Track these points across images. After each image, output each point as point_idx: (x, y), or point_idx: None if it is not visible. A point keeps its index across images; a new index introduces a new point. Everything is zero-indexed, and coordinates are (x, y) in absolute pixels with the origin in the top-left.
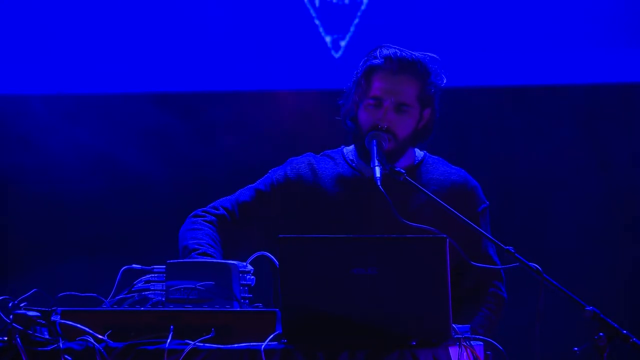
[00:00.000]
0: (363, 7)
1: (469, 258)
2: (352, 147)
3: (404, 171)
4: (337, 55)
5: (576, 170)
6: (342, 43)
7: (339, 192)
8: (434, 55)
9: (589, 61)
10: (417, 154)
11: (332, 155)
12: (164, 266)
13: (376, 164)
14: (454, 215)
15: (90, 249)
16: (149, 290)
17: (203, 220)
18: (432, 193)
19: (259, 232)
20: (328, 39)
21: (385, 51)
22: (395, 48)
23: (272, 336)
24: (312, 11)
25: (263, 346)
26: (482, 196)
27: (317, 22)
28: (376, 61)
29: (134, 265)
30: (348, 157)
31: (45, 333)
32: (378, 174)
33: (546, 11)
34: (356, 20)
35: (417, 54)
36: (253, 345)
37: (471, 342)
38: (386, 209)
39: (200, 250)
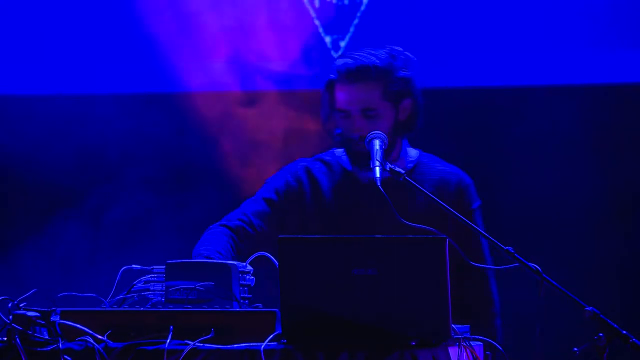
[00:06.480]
0: (362, 8)
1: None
2: (342, 150)
3: (403, 171)
4: (336, 56)
5: (576, 171)
6: (342, 43)
7: (337, 196)
8: (398, 48)
9: (589, 61)
10: (410, 154)
11: (324, 159)
12: (164, 266)
13: (376, 164)
14: (453, 215)
15: (90, 248)
16: (149, 290)
17: (217, 232)
18: (427, 191)
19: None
20: (328, 39)
21: (339, 62)
22: (349, 57)
23: (271, 336)
24: (311, 11)
25: (263, 346)
26: (475, 194)
27: (316, 22)
28: (332, 75)
29: (133, 266)
30: (341, 160)
31: (45, 333)
32: (378, 174)
33: (546, 11)
34: (356, 21)
35: (374, 55)
36: (253, 345)
37: (471, 342)
38: (386, 209)
39: (204, 255)
